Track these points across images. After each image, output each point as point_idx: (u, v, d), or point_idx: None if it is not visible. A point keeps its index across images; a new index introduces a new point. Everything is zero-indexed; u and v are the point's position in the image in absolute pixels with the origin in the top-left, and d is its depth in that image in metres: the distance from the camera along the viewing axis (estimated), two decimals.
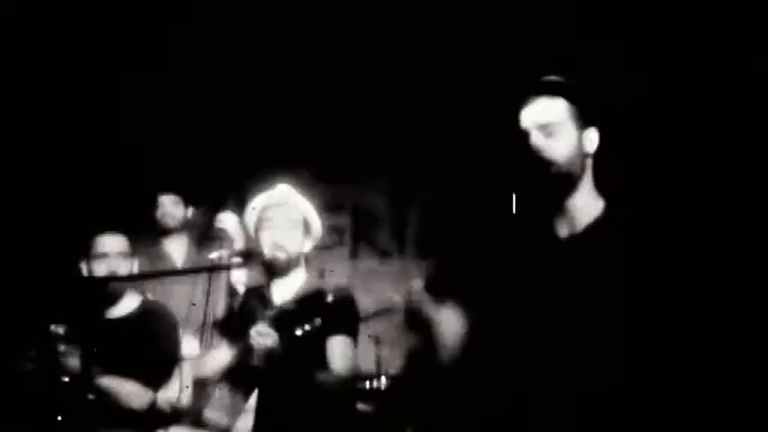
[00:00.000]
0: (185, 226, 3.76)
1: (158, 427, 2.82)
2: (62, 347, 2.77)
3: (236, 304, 3.05)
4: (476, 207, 3.63)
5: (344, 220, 4.64)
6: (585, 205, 1.83)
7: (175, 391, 2.88)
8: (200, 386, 2.81)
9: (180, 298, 3.32)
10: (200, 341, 3.22)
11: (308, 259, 2.76)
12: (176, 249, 3.74)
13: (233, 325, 2.78)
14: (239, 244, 3.37)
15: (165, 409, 2.93)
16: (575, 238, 1.82)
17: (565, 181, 1.81)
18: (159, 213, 3.71)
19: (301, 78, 4.24)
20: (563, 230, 1.85)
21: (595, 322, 1.70)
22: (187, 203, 3.76)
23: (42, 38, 3.90)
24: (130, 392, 2.83)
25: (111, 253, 2.95)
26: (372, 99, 4.29)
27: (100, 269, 2.92)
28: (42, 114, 4.04)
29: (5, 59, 3.83)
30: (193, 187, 3.84)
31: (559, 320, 1.75)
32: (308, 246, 2.72)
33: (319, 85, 4.26)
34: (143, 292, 3.17)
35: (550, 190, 1.82)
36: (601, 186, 1.87)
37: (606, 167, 1.89)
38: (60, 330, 2.80)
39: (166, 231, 3.72)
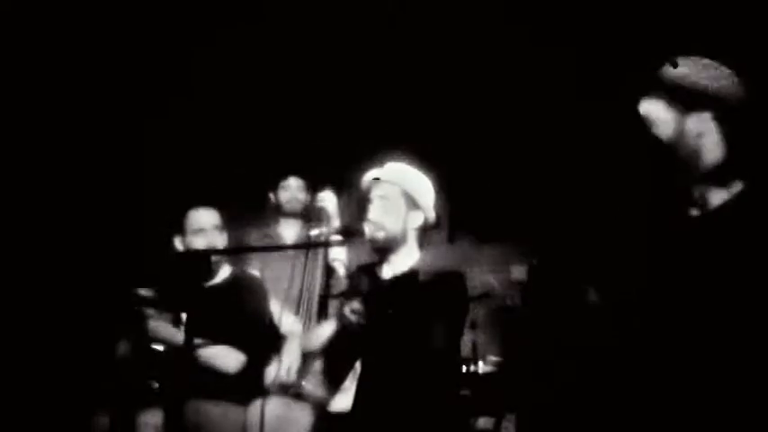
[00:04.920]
0: (305, 210, 3.69)
1: (258, 397, 2.87)
2: (150, 312, 2.86)
3: (337, 281, 3.06)
4: (583, 191, 3.51)
5: (441, 203, 4.58)
6: (719, 186, 1.77)
7: (279, 365, 2.92)
8: (303, 359, 2.84)
9: (285, 276, 3.36)
10: (299, 317, 3.26)
11: (424, 237, 2.66)
12: (291, 232, 3.71)
13: (338, 300, 2.78)
14: (338, 222, 3.38)
15: (268, 382, 2.98)
16: (706, 218, 1.76)
17: (680, 168, 1.77)
18: (285, 197, 3.67)
19: (398, 61, 4.22)
20: (695, 211, 1.79)
21: (724, 304, 1.63)
22: (309, 188, 3.71)
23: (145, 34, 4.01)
24: (223, 355, 2.90)
25: (208, 227, 3.04)
26: (470, 80, 4.22)
27: (197, 243, 3.01)
28: (159, 96, 4.15)
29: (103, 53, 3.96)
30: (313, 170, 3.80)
31: (689, 301, 1.68)
32: (414, 223, 2.61)
33: (416, 66, 4.22)
34: (240, 267, 3.23)
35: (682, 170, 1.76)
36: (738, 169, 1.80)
37: (745, 151, 1.81)
38: (148, 294, 2.88)
39: (287, 214, 3.69)
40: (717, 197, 1.77)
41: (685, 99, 1.75)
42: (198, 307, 2.86)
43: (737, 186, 1.78)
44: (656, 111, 1.78)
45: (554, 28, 3.79)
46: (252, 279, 3.18)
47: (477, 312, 3.75)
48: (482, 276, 4.05)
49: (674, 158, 1.76)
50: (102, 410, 2.91)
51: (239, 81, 4.22)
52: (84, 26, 3.81)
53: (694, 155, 1.76)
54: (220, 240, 3.07)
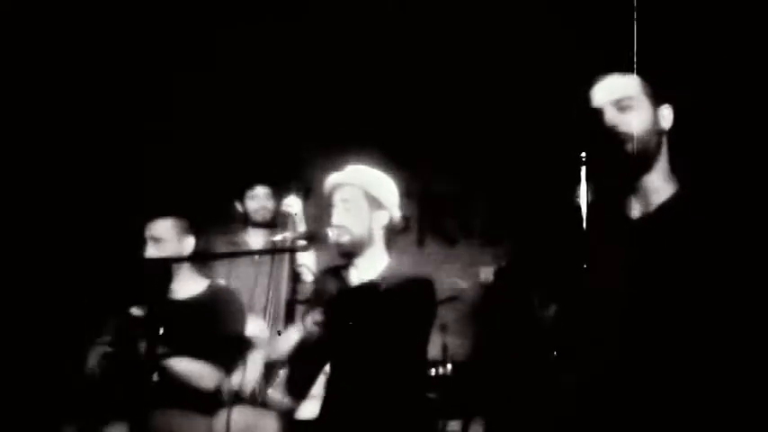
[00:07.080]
0: (274, 219, 3.60)
1: (223, 407, 2.83)
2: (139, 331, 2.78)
3: (303, 287, 3.02)
4: (545, 192, 3.52)
5: (411, 207, 4.58)
6: (660, 185, 1.78)
7: (244, 373, 2.89)
8: (268, 367, 2.80)
9: (249, 282, 3.31)
10: (266, 322, 3.23)
11: (389, 240, 2.62)
12: (258, 240, 3.65)
13: (304, 306, 2.75)
14: (304, 227, 3.35)
15: (232, 391, 2.94)
16: (647, 218, 1.76)
17: (641, 159, 1.76)
18: (253, 206, 3.61)
19: (366, 65, 4.21)
20: (635, 210, 1.80)
21: (666, 305, 1.64)
22: (277, 196, 3.62)
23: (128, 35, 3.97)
24: (201, 373, 2.86)
25: (165, 236, 3.01)
26: (437, 85, 4.23)
27: (152, 252, 2.98)
28: (115, 104, 4.11)
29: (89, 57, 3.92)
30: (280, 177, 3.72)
31: (631, 302, 1.69)
32: (379, 223, 2.58)
33: (385, 71, 4.22)
34: (211, 276, 3.18)
35: (626, 168, 1.76)
36: (676, 168, 1.82)
37: (683, 149, 1.84)
38: (139, 313, 2.81)
39: (256, 224, 3.62)
40: (656, 197, 1.78)
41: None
42: (173, 320, 2.83)
43: (674, 186, 1.79)
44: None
45: (526, 34, 3.82)
46: (230, 293, 3.12)
47: (447, 315, 3.74)
48: (451, 278, 4.05)
49: (621, 153, 1.75)
50: (68, 424, 2.86)
51: (206, 90, 4.18)
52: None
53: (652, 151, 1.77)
54: (179, 249, 3.02)
